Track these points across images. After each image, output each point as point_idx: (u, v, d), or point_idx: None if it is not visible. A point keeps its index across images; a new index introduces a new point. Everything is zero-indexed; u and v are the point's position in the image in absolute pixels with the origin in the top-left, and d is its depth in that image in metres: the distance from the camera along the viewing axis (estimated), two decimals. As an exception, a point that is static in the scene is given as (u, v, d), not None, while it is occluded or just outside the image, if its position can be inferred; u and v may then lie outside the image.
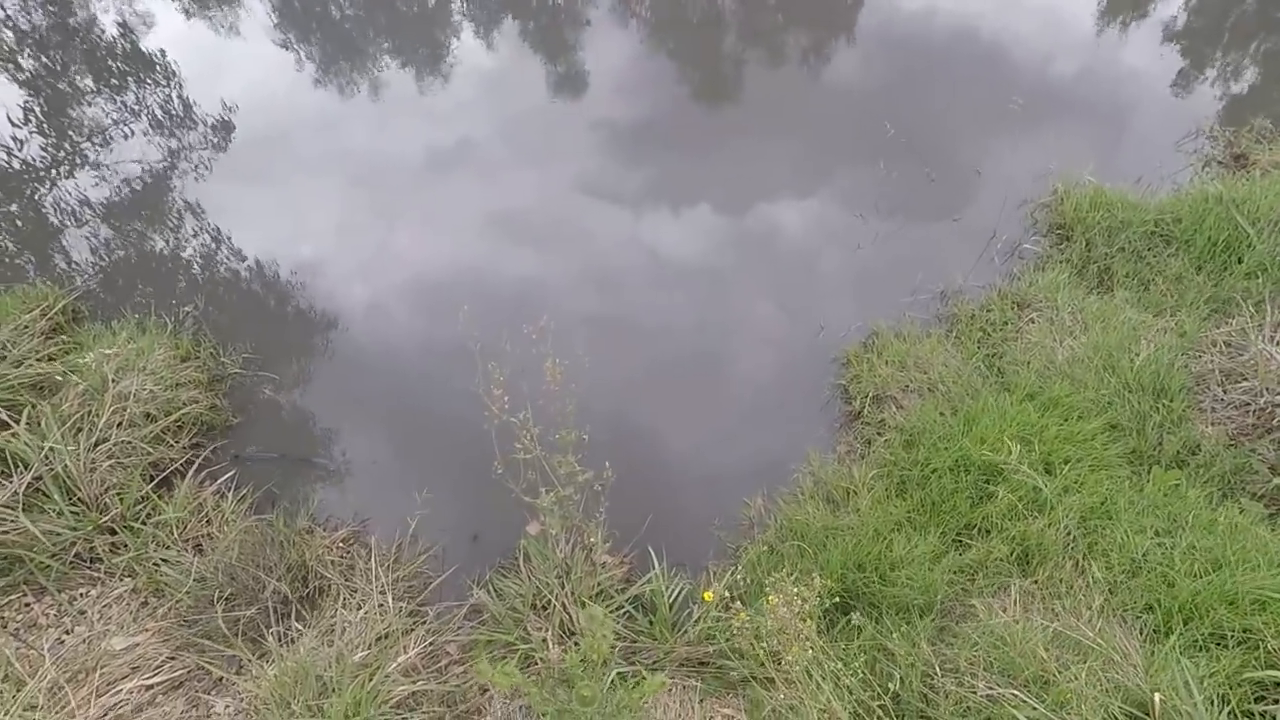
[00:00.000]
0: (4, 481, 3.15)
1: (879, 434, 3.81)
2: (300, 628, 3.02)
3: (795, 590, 2.37)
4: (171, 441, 3.61)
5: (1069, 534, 2.98)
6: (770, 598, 2.55)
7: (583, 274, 4.80)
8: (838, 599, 2.81)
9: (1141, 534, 2.94)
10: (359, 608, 3.12)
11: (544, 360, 2.73)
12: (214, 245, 4.90)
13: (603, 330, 4.42)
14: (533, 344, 2.72)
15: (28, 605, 3.05)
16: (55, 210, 5.23)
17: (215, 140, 5.86)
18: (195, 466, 3.56)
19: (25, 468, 3.19)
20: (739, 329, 4.49)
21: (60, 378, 3.47)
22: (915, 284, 4.62)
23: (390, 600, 3.06)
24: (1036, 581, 2.89)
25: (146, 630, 3.06)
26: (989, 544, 3.01)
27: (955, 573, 2.97)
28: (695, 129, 6.15)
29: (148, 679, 2.88)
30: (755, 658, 2.60)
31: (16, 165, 5.54)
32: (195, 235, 4.98)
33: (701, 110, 6.50)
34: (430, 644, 2.99)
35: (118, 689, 2.81)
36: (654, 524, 3.45)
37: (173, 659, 2.96)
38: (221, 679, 2.92)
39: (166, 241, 4.95)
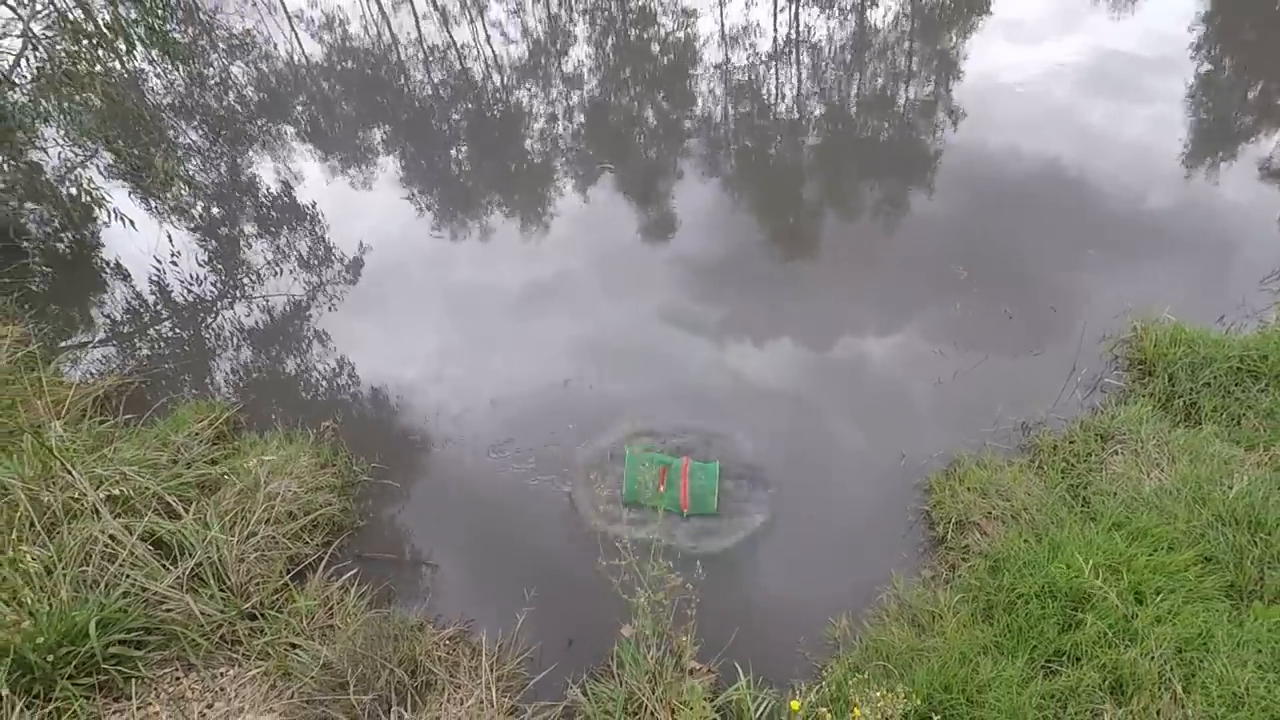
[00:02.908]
0: (171, 566, 3.62)
1: (963, 559, 3.87)
2: (408, 716, 3.25)
3: (880, 695, 2.48)
4: (307, 539, 4.04)
5: (1164, 664, 2.96)
6: (856, 710, 2.66)
7: (672, 399, 5.13)
8: (919, 703, 2.84)
9: (1243, 667, 2.89)
10: (462, 703, 3.33)
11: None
12: (350, 367, 5.57)
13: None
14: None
15: (178, 679, 3.42)
16: (215, 337, 6.08)
17: (347, 275, 6.73)
18: (325, 562, 3.96)
19: (189, 554, 3.66)
20: (821, 454, 4.69)
21: (223, 478, 4.00)
22: (996, 415, 4.77)
23: (494, 695, 3.27)
24: (1131, 712, 2.86)
25: (273, 711, 3.35)
26: (1079, 671, 3.01)
27: (1044, 698, 2.97)
28: (776, 270, 6.64)
29: (273, 757, 3.15)
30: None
31: (190, 298, 6.50)
32: (337, 358, 5.69)
33: (782, 252, 7.02)
34: (527, 741, 3.16)
35: (248, 763, 3.09)
36: (739, 639, 3.57)
37: (296, 740, 3.23)
38: (337, 762, 3.16)
39: (312, 363, 5.67)
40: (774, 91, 9.92)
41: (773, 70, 10.09)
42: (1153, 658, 2.98)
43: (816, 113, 9.68)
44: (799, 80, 10.01)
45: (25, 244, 6.79)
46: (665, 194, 7.86)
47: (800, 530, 4.23)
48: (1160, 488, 3.90)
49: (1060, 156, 7.42)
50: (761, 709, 3.14)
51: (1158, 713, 2.84)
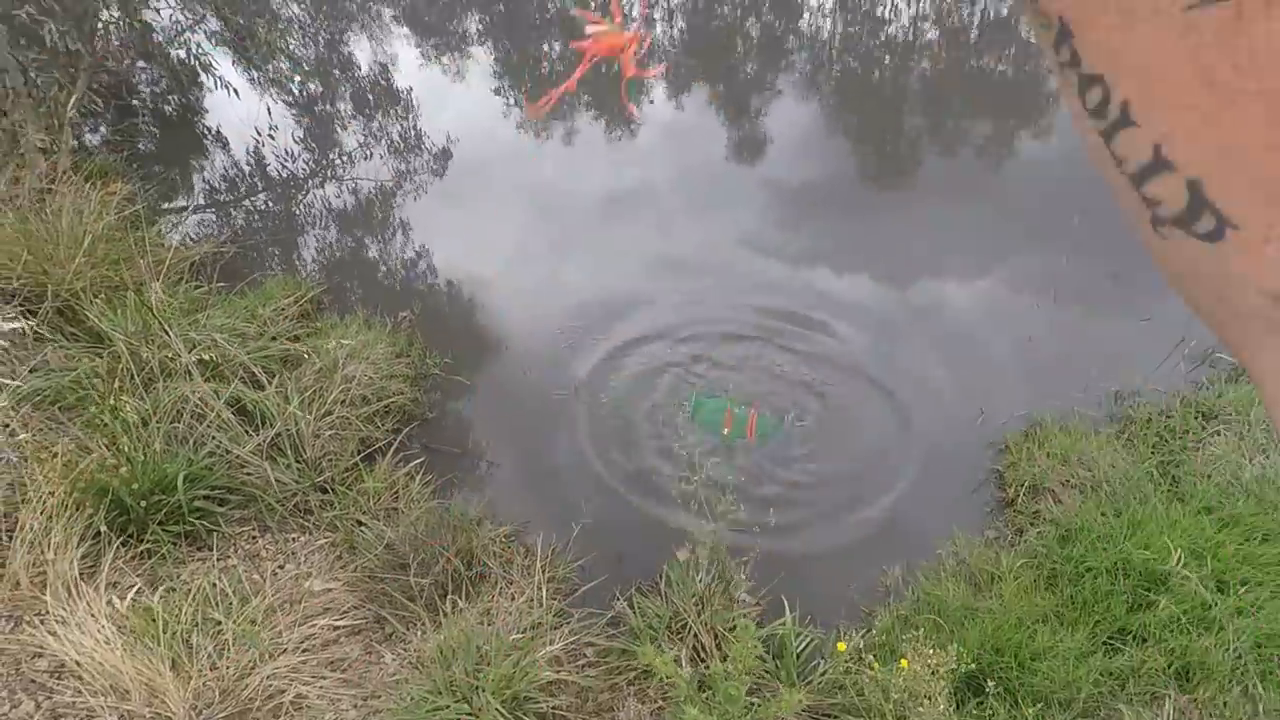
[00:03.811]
0: (253, 433, 3.80)
1: (1032, 524, 3.74)
2: (461, 603, 3.39)
3: (932, 653, 2.44)
4: (378, 424, 4.17)
5: (1239, 657, 2.82)
6: (904, 660, 2.63)
7: (743, 319, 4.98)
8: (973, 666, 2.81)
9: (1325, 675, 2.73)
10: (513, 598, 3.45)
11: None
12: (430, 259, 5.63)
13: (758, 386, 4.59)
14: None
15: (254, 538, 3.64)
16: (305, 215, 6.20)
17: (434, 165, 6.71)
18: (394, 448, 4.09)
19: (270, 424, 3.83)
20: (894, 401, 4.53)
21: (304, 355, 4.13)
22: (1088, 380, 4.50)
23: (544, 596, 3.37)
24: (1196, 700, 2.75)
25: (338, 580, 3.54)
26: (1144, 652, 2.90)
27: (1103, 674, 2.88)
28: (870, 199, 6.32)
29: (336, 620, 3.35)
30: (881, 715, 2.66)
31: (284, 173, 6.61)
32: (418, 248, 5.75)
33: (878, 182, 6.66)
34: (573, 642, 3.26)
35: (313, 623, 3.29)
36: (788, 576, 3.56)
37: (357, 608, 3.42)
38: (393, 633, 3.34)
39: (395, 251, 5.75)
40: (888, 8, 9.23)
41: (892, -16, 9.37)
42: (1228, 649, 2.84)
43: (931, 35, 8.99)
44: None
45: (136, 103, 6.98)
46: (760, 110, 7.50)
47: (862, 476, 4.14)
48: (1262, 475, 3.64)
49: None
50: (804, 646, 3.15)
51: (1225, 704, 2.73)
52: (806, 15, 9.10)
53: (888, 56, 8.59)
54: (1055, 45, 0.34)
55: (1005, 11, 9.02)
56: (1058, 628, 3.05)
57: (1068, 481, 3.87)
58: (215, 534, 3.58)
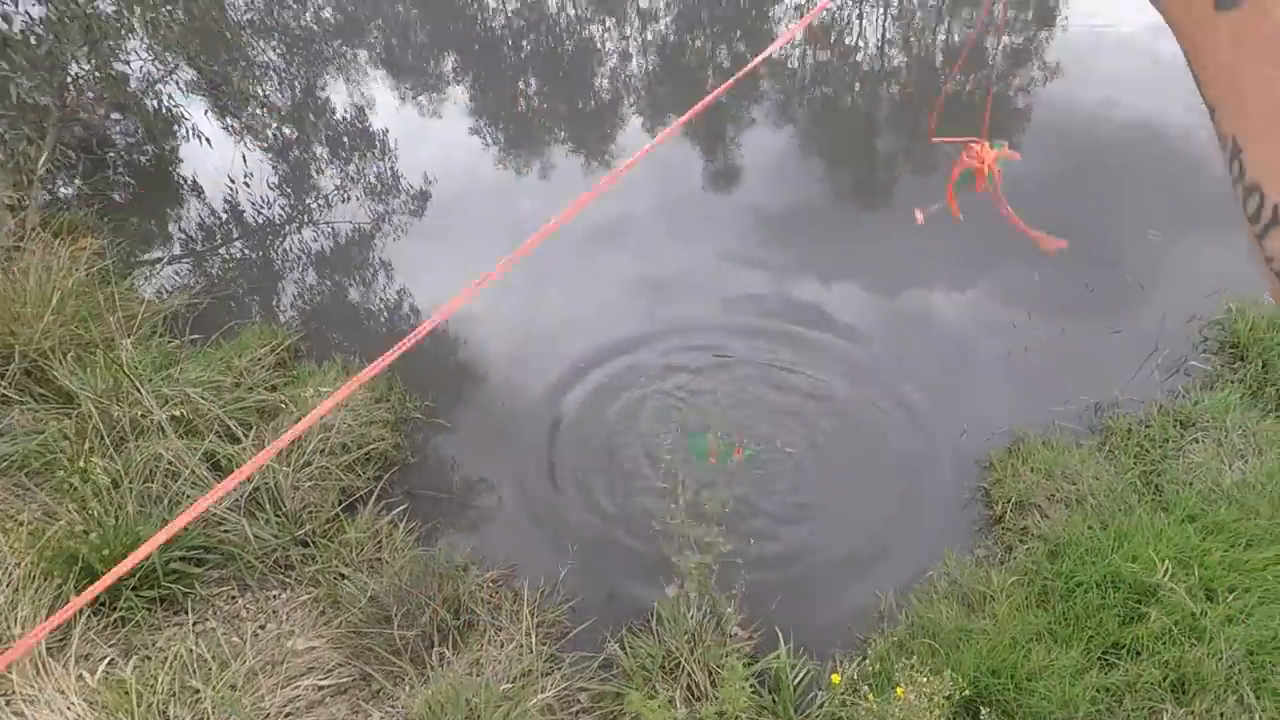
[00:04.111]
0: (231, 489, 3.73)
1: (1020, 540, 3.73)
2: (449, 655, 3.31)
3: (926, 681, 2.41)
4: (359, 471, 4.11)
5: (1232, 666, 2.81)
6: (899, 689, 2.59)
7: (721, 350, 4.99)
8: (968, 692, 2.77)
9: (1319, 680, 2.73)
10: (502, 645, 3.39)
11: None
12: (410, 301, 5.61)
13: (741, 413, 4.59)
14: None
15: (233, 598, 3.55)
16: (282, 262, 6.17)
17: (411, 206, 6.71)
18: (375, 496, 4.02)
19: (248, 479, 3.75)
20: (877, 422, 4.53)
21: (281, 405, 4.08)
22: (1067, 394, 4.53)
23: (534, 642, 3.31)
24: (1193, 712, 2.73)
25: (322, 637, 3.46)
26: (1139, 666, 2.89)
27: (1099, 691, 2.86)
28: (843, 224, 6.39)
29: (321, 680, 3.26)
30: (880, 747, 2.61)
31: (260, 220, 6.59)
32: (396, 291, 5.73)
33: (850, 207, 6.74)
34: (565, 688, 3.20)
35: (297, 684, 3.20)
36: (781, 606, 3.53)
37: (342, 666, 3.33)
38: (380, 690, 3.25)
39: (372, 296, 5.73)
40: (855, 37, 9.42)
41: (856, 13, 9.58)
42: (1220, 658, 2.83)
43: (899, 61, 9.18)
44: (883, 26, 9.47)
45: (110, 154, 6.95)
46: (733, 139, 7.59)
47: (848, 499, 4.13)
48: (1243, 480, 3.67)
49: (1164, 117, 6.88)
50: (800, 678, 3.10)
51: (1221, 715, 2.71)
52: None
53: (858, 83, 8.75)
54: (1228, 162, 0.42)
55: (967, 35, 9.24)
56: (1052, 645, 3.03)
57: (1053, 496, 3.87)
58: (191, 596, 3.49)
